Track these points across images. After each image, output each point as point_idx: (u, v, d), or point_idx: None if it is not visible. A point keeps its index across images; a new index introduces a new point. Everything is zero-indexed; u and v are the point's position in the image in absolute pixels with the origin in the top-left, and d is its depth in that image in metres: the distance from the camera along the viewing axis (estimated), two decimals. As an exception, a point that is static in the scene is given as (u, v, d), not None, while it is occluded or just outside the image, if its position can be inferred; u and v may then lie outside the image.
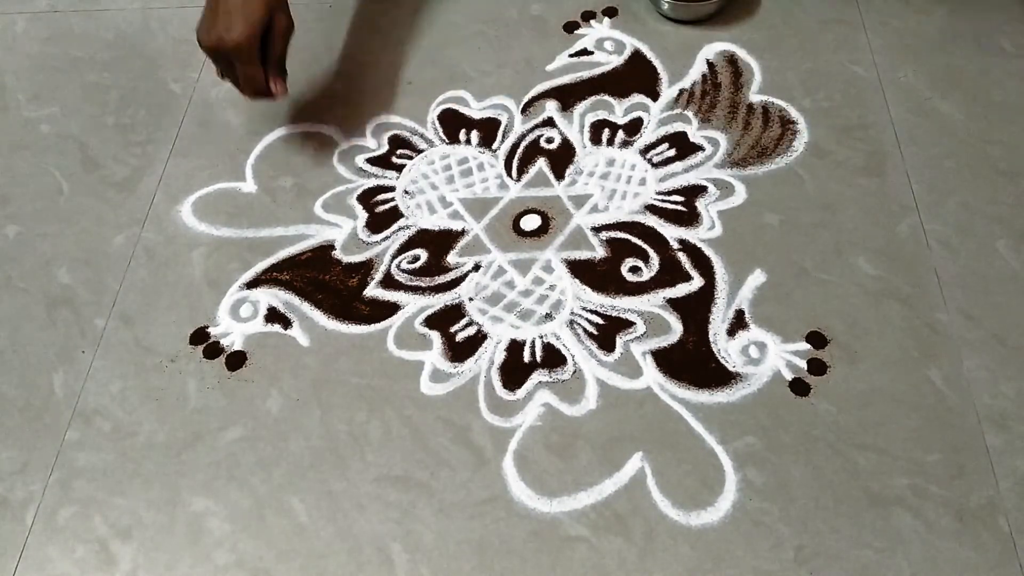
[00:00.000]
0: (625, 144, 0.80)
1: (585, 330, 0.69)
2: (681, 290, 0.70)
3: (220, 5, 0.72)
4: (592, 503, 0.61)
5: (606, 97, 0.84)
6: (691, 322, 0.69)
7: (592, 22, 0.91)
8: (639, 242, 0.73)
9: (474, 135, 0.82)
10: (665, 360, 0.67)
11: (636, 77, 0.85)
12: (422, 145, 0.82)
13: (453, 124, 0.83)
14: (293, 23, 0.77)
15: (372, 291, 0.72)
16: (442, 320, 0.70)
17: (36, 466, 0.65)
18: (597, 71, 0.86)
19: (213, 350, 0.70)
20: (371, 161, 0.81)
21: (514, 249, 0.74)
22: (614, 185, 0.77)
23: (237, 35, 0.71)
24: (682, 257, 0.72)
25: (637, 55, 0.87)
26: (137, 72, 0.90)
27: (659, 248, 0.73)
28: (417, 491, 0.62)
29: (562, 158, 0.80)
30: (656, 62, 0.86)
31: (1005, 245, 0.71)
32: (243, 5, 0.72)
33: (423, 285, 0.72)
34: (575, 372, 0.67)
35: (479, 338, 0.69)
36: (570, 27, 0.90)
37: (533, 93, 0.85)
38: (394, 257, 0.74)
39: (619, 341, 0.68)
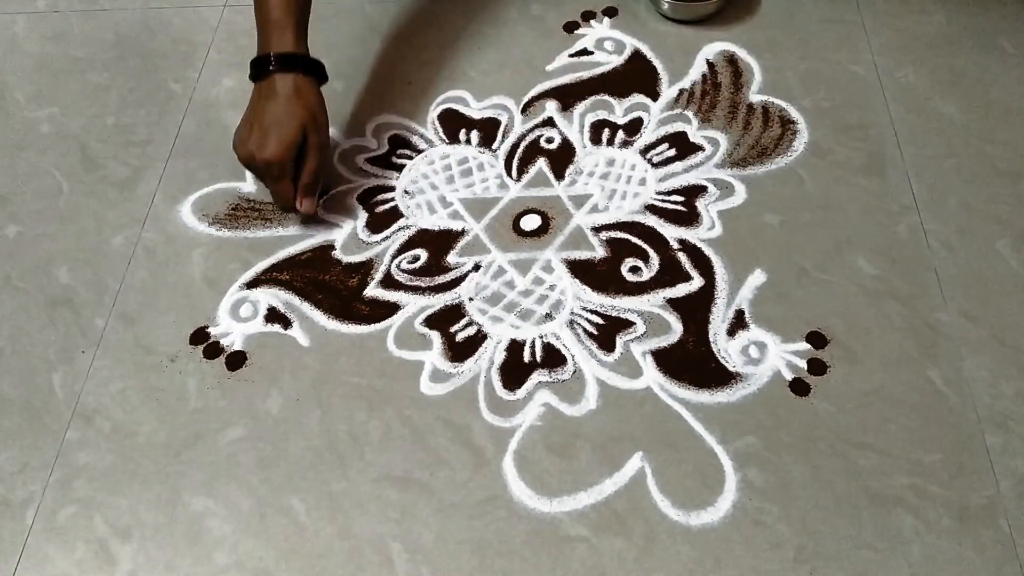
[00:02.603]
0: (625, 144, 0.80)
1: (585, 330, 0.69)
2: (681, 290, 0.70)
3: (257, 119, 0.73)
4: (592, 503, 0.61)
5: (606, 97, 0.84)
6: (691, 322, 0.69)
7: (592, 22, 0.91)
8: (639, 242, 0.73)
9: (474, 135, 0.82)
10: (665, 360, 0.67)
11: (636, 77, 0.85)
12: (422, 145, 0.82)
13: (453, 124, 0.83)
14: (328, 142, 0.76)
15: (372, 291, 0.72)
16: (442, 320, 0.70)
17: (36, 466, 0.65)
18: (597, 71, 0.86)
19: (213, 350, 0.70)
20: (371, 161, 0.81)
21: (514, 249, 0.74)
22: (614, 185, 0.77)
23: (268, 154, 0.72)
24: (682, 257, 0.72)
25: (637, 55, 0.87)
26: (137, 72, 0.90)
27: (659, 248, 0.73)
28: (417, 491, 0.62)
29: (562, 158, 0.79)
30: (656, 62, 0.86)
31: (1005, 245, 0.71)
32: (278, 125, 0.72)
33: (423, 285, 0.72)
34: (575, 372, 0.67)
35: (479, 338, 0.69)
36: (570, 27, 0.90)
37: (533, 93, 0.85)
38: (394, 257, 0.74)
39: (619, 341, 0.68)
